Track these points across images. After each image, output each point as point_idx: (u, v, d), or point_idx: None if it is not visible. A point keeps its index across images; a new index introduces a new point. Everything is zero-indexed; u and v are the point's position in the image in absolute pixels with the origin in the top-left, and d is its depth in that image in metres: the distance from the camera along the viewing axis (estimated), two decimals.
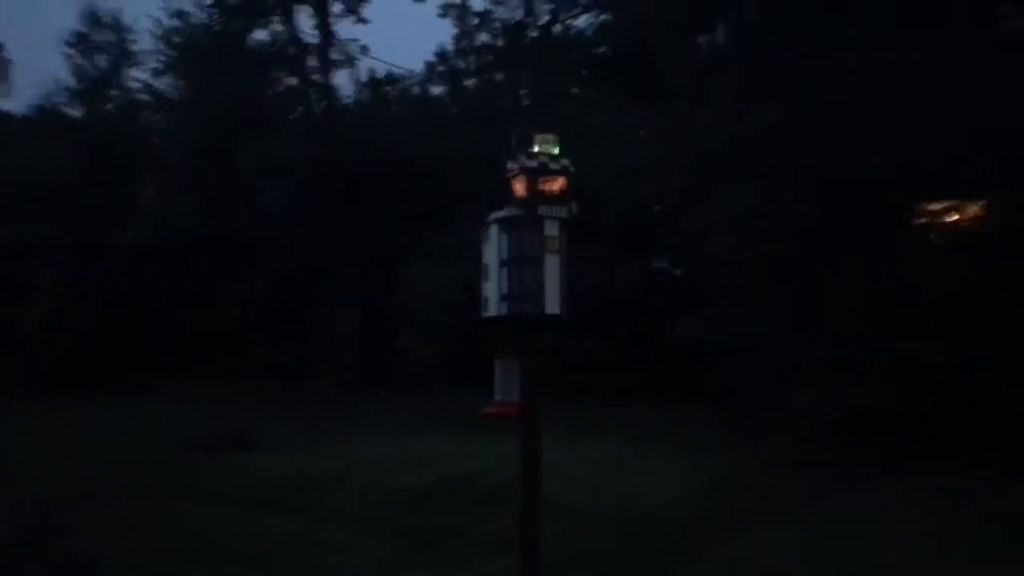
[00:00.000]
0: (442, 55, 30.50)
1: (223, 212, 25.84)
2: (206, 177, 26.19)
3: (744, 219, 16.36)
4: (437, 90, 30.63)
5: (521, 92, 30.00)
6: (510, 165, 4.73)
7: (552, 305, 4.60)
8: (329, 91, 26.89)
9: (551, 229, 4.61)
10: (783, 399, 14.96)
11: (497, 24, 29.15)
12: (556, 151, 4.63)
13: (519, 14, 28.25)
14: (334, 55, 26.98)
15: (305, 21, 27.45)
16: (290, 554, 12.81)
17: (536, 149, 4.60)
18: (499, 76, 30.52)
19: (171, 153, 29.84)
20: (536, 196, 4.55)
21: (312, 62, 27.03)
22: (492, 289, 4.73)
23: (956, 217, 16.98)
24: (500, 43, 29.46)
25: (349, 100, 28.77)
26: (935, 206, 17.02)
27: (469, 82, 30.96)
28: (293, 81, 28.10)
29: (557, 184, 4.60)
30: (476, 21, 28.37)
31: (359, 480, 18.39)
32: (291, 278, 25.88)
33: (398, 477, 17.80)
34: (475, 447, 18.59)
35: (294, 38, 27.03)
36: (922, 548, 10.93)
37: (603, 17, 25.91)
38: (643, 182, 20.22)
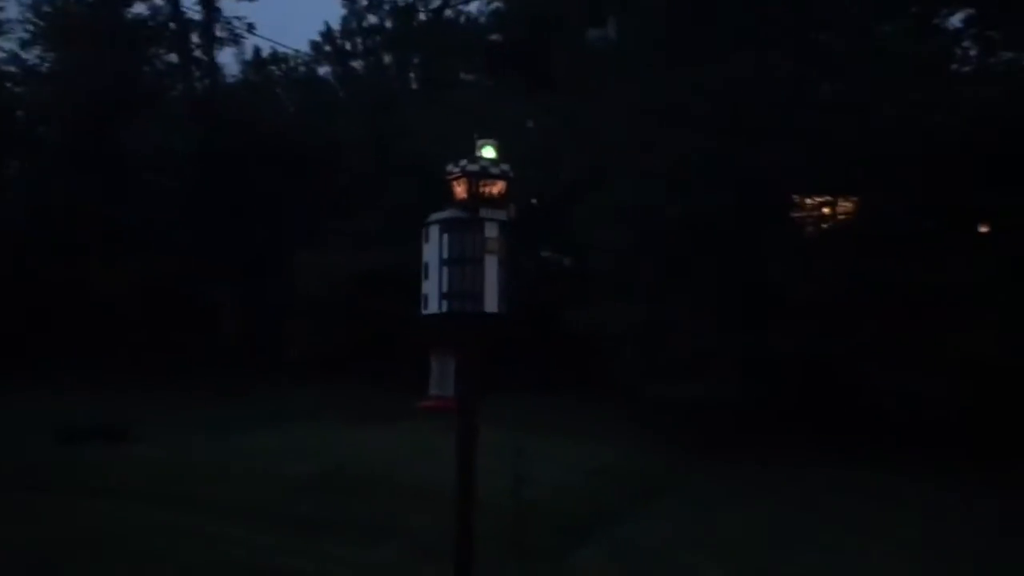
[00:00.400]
0: (328, 35, 30.03)
1: (101, 192, 24.73)
2: (81, 155, 24.97)
3: (630, 213, 16.81)
4: (324, 71, 30.10)
5: (410, 76, 29.81)
6: (451, 168, 4.84)
7: (491, 304, 4.77)
8: (213, 69, 26.06)
9: (491, 231, 4.77)
10: (668, 388, 15.51)
11: (386, 5, 28.89)
12: (495, 155, 4.76)
13: None
14: (218, 32, 26.14)
15: None
16: (175, 546, 12.50)
17: (478, 153, 4.72)
18: (388, 59, 30.22)
19: (40, 129, 28.30)
20: (477, 199, 4.69)
21: (195, 39, 26.11)
22: (432, 287, 4.86)
23: (829, 212, 17.91)
24: (389, 25, 29.18)
25: (234, 79, 27.95)
26: (811, 201, 17.91)
27: (356, 63, 30.56)
28: (174, 58, 27.06)
29: (497, 188, 4.76)
30: (365, 2, 27.95)
31: (244, 470, 18.08)
32: (175, 263, 24.99)
33: (283, 467, 17.59)
34: (362, 437, 18.54)
35: (176, 13, 26.02)
36: (789, 524, 11.69)
37: (495, 4, 26.02)
38: (533, 172, 20.42)
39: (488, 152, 4.76)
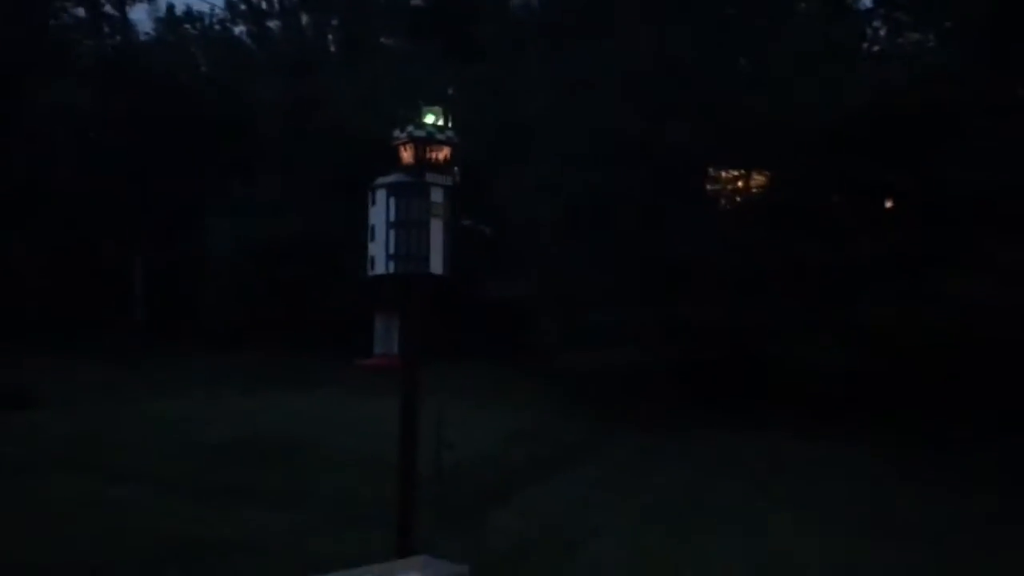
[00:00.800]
0: None
1: (3, 153, 23.70)
2: None
3: (551, 185, 16.97)
4: (240, 30, 29.25)
5: (328, 38, 29.25)
6: (397, 133, 4.89)
7: (437, 265, 4.88)
8: (124, 26, 25.01)
9: (437, 195, 4.87)
10: (586, 356, 15.81)
11: None
12: (441, 122, 4.83)
13: None
14: None
15: None
16: (85, 514, 12.29)
17: (424, 119, 4.79)
18: (305, 19, 29.55)
19: None
20: (423, 164, 4.77)
21: None
22: (379, 249, 4.95)
23: (742, 186, 18.39)
24: None
25: (147, 37, 26.89)
26: (725, 174, 18.35)
27: (273, 24, 29.83)
28: (82, 13, 25.83)
29: (443, 153, 4.86)
30: None
31: (156, 438, 17.82)
32: (81, 226, 24.15)
33: (192, 434, 17.41)
34: (267, 404, 18.41)
35: None
36: (703, 488, 12.12)
37: None
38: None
39: (432, 118, 4.85)
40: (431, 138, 4.86)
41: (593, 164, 16.26)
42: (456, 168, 4.90)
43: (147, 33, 26.93)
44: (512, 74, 19.29)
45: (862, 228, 15.23)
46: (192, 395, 19.56)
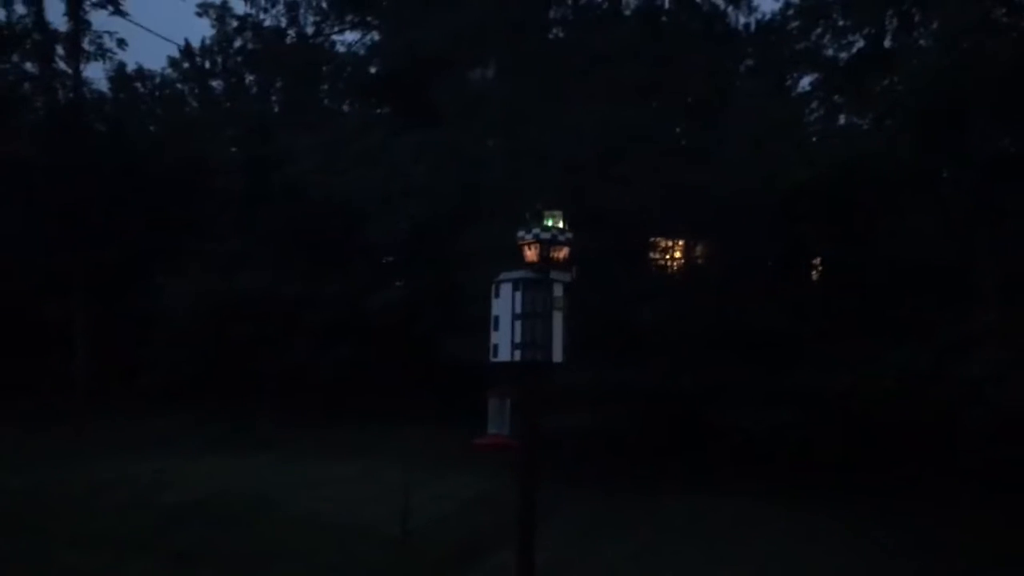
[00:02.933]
0: (187, 51, 29.31)
1: None
2: None
3: (505, 248, 17.36)
4: (185, 88, 29.29)
5: (272, 99, 29.47)
6: (522, 234, 5.44)
7: (558, 354, 5.41)
8: (77, 83, 24.79)
9: (558, 290, 5.43)
10: (543, 420, 16.12)
11: (249, 31, 28.42)
12: (561, 224, 5.41)
13: (283, 22, 27.81)
14: (86, 45, 24.82)
15: (56, 6, 25.05)
16: None
17: (548, 223, 5.36)
18: (248, 79, 29.73)
19: None
20: (547, 262, 5.33)
21: (60, 51, 24.70)
22: (503, 338, 5.43)
23: (691, 255, 19.23)
24: (253, 46, 28.74)
25: (99, 94, 26.63)
26: (674, 243, 19.18)
27: (216, 83, 29.95)
28: (35, 69, 25.45)
29: (563, 252, 5.41)
30: (235, 24, 27.50)
31: (102, 500, 17.56)
32: (24, 281, 23.59)
33: (143, 497, 17.22)
34: (218, 468, 18.24)
35: (40, 22, 24.50)
36: (658, 550, 12.61)
37: (372, 35, 26.23)
38: (409, 205, 20.64)
39: (556, 221, 5.43)
40: (554, 240, 5.44)
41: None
42: (574, 266, 5.46)
43: (99, 91, 26.72)
44: (469, 142, 19.81)
45: (805, 298, 16.09)
46: (138, 457, 19.18)
